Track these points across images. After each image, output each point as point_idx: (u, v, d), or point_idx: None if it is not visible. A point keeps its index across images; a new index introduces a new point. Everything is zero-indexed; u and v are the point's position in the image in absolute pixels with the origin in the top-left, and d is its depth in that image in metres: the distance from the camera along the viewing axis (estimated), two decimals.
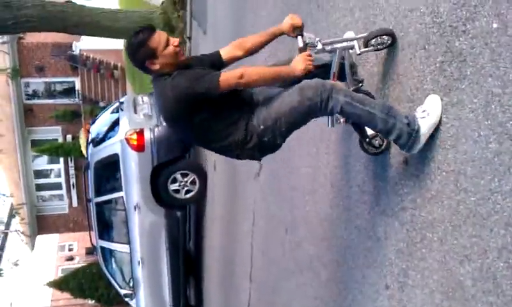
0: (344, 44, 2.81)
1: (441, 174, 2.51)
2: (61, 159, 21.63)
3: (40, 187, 22.45)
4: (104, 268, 9.79)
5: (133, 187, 8.36)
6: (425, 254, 2.67)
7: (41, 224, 22.69)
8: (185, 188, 8.73)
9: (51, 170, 22.82)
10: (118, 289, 9.85)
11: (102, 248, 9.40)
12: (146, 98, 9.02)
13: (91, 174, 8.75)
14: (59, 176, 22.52)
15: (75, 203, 22.42)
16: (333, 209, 3.81)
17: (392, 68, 2.92)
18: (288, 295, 4.94)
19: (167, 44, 2.73)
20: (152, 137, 8.15)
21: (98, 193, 8.86)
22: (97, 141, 8.67)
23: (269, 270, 5.63)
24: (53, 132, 21.99)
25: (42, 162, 22.30)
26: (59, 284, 21.14)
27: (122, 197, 8.51)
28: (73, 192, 22.25)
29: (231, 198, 7.51)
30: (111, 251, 9.40)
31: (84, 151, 13.84)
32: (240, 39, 2.98)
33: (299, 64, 2.68)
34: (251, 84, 2.72)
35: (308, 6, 4.17)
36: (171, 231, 9.10)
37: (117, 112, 8.76)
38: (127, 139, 8.07)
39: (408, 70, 2.74)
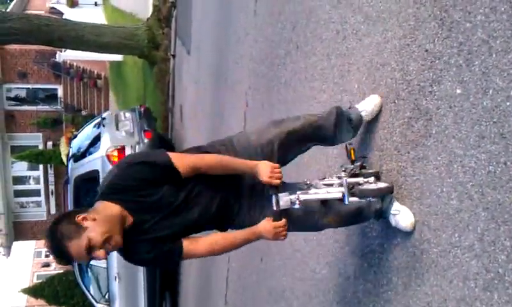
0: (329, 196, 2.46)
1: None
2: (41, 166, 21.48)
3: (18, 193, 22.23)
4: (80, 281, 9.76)
5: None
6: (391, 296, 2.79)
7: (18, 230, 22.44)
8: None
9: (30, 176, 22.63)
10: (94, 303, 9.82)
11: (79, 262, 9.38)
12: (128, 115, 9.07)
13: (70, 188, 8.75)
14: (38, 182, 22.35)
15: (53, 210, 22.23)
16: (307, 243, 3.91)
17: None
18: None
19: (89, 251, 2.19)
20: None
21: (77, 208, 8.83)
22: (78, 157, 8.68)
23: (244, 295, 5.71)
24: (34, 139, 21.82)
25: (22, 168, 22.10)
26: (34, 291, 20.90)
27: None
28: (52, 199, 22.07)
29: None
30: (87, 266, 9.38)
31: (64, 159, 13.82)
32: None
33: (269, 233, 2.40)
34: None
35: (288, 46, 4.29)
36: None
37: (99, 127, 8.79)
38: (107, 156, 8.09)
39: (378, 121, 2.86)
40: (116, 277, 8.89)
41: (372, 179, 2.47)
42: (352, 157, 2.71)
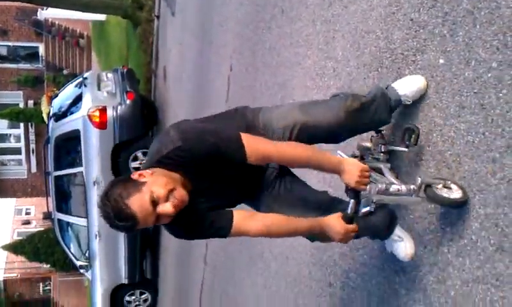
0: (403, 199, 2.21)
1: None
2: (22, 124, 21.20)
3: None
4: (60, 239, 9.78)
5: (93, 163, 8.34)
6: (366, 259, 2.86)
7: None
8: None
9: (11, 135, 22.34)
10: (74, 260, 9.87)
11: (59, 220, 9.38)
12: (110, 75, 8.94)
13: (51, 148, 8.68)
14: (18, 141, 22.09)
15: (34, 169, 22.05)
16: None
17: (346, 84, 3.05)
18: (240, 281, 5.11)
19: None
20: (114, 115, 8.12)
21: (58, 167, 8.80)
22: (59, 116, 8.58)
23: (224, 256, 5.79)
24: (14, 97, 21.44)
25: (2, 127, 21.78)
26: (15, 248, 20.91)
27: (82, 172, 8.50)
28: (33, 158, 21.86)
29: None
30: (68, 224, 9.39)
31: (45, 118, 13.64)
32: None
33: (338, 235, 2.16)
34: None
35: (273, 10, 4.26)
36: None
37: (80, 87, 8.67)
38: (89, 116, 8.01)
39: (360, 90, 2.88)
40: (96, 235, 8.93)
41: (448, 183, 2.12)
42: (414, 141, 2.34)
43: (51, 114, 8.95)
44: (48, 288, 26.16)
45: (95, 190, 8.59)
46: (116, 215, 1.88)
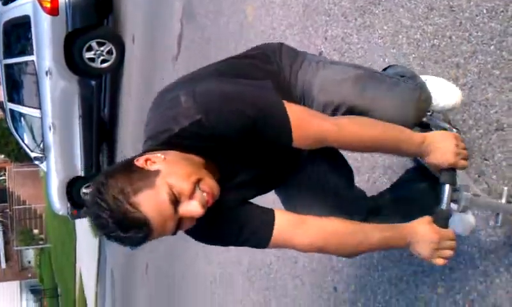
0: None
1: None
2: None
3: None
4: (13, 130, 9.56)
5: (45, 52, 7.96)
6: None
7: None
8: (101, 58, 8.44)
9: None
10: (28, 152, 9.72)
11: (11, 110, 9.10)
12: None
13: None
14: None
15: None
16: None
17: None
18: None
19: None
20: (66, 0, 7.66)
21: (8, 55, 8.38)
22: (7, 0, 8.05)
23: None
24: None
25: None
26: None
27: (33, 61, 8.13)
28: None
29: (149, 75, 7.40)
30: (20, 114, 9.12)
31: None
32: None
33: (430, 246, 1.40)
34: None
35: None
36: (85, 98, 8.91)
37: None
38: (39, 1, 7.52)
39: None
40: (50, 127, 8.75)
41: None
42: None
43: None
44: (3, 178, 26.03)
45: (48, 81, 8.30)
46: (119, 222, 1.24)
